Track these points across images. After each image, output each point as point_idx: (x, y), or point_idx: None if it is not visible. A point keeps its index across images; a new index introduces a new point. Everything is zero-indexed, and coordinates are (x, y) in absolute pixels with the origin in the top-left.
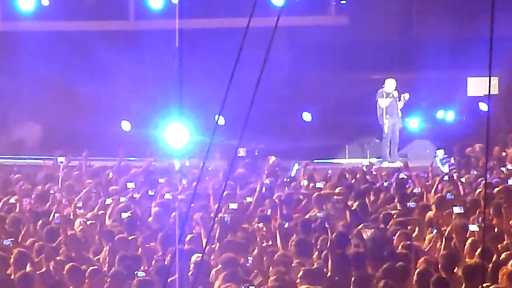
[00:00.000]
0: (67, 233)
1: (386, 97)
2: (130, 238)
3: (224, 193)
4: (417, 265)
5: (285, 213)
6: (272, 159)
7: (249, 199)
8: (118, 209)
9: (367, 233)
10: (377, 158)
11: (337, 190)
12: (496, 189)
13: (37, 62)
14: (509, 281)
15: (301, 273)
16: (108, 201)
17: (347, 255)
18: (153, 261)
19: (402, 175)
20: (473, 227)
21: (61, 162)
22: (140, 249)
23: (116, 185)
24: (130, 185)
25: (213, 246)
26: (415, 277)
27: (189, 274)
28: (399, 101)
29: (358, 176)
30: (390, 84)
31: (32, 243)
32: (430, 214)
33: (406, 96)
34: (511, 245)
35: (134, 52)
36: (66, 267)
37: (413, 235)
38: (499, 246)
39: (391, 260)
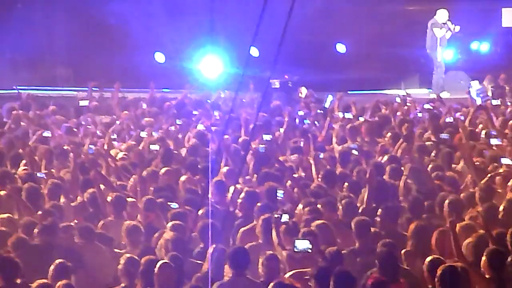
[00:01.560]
0: (101, 164)
1: (441, 28)
2: (163, 169)
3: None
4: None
5: (319, 144)
6: (304, 90)
7: (283, 131)
8: (149, 142)
9: None
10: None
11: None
12: None
13: None
14: None
15: (343, 203)
16: (143, 134)
17: (384, 184)
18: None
19: (427, 106)
20: (506, 161)
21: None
22: (173, 181)
23: (149, 117)
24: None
25: (247, 178)
26: (445, 208)
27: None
28: (448, 31)
29: (392, 107)
30: (442, 15)
31: (65, 174)
32: (470, 144)
33: (457, 28)
34: None
35: None
36: (111, 197)
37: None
38: None
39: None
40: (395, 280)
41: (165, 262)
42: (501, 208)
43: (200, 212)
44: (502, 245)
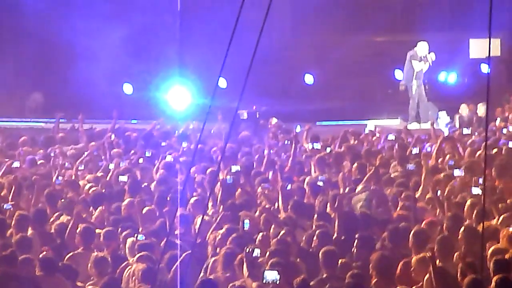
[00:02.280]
0: (68, 196)
1: (420, 61)
2: (126, 201)
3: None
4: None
5: (287, 175)
6: (274, 121)
7: (251, 162)
8: (117, 173)
9: (358, 197)
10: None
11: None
12: (494, 150)
13: (38, 24)
14: (509, 243)
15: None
16: (111, 166)
17: (354, 216)
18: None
19: (391, 137)
20: (476, 190)
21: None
22: (140, 212)
23: (117, 147)
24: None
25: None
26: (411, 238)
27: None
28: (427, 64)
29: (360, 138)
30: (423, 47)
31: (33, 206)
32: (436, 177)
33: (433, 56)
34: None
35: (136, 14)
36: (80, 228)
37: (415, 197)
38: (500, 206)
39: (388, 222)
40: None
41: None
42: (460, 236)
43: (165, 243)
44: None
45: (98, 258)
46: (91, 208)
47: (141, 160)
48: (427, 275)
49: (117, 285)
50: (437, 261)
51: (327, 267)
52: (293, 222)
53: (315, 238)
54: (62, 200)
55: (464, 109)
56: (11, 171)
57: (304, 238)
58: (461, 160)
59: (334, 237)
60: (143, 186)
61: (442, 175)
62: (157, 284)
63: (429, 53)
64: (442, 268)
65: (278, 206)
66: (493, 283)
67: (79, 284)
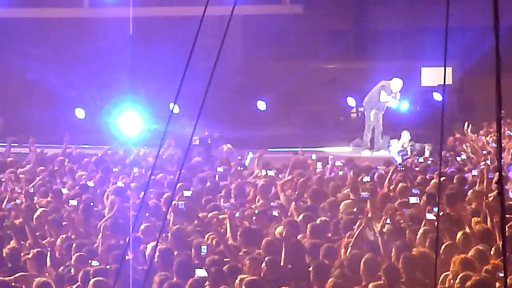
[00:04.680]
0: (18, 221)
1: (389, 94)
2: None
3: (178, 183)
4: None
5: (238, 202)
6: (227, 147)
7: (202, 187)
8: (68, 197)
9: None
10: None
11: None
12: (442, 179)
13: None
14: (463, 268)
15: (247, 262)
16: (64, 190)
17: (301, 244)
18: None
19: (338, 163)
20: (430, 216)
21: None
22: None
23: (69, 172)
24: (81, 173)
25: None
26: (361, 266)
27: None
28: (392, 101)
29: (311, 165)
30: (397, 84)
31: None
32: (389, 205)
33: (398, 96)
34: (464, 234)
35: (88, 39)
36: (32, 253)
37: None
38: (454, 235)
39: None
40: None
41: None
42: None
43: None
44: None
45: (40, 283)
46: (43, 232)
47: (91, 184)
48: None
49: None
50: None
51: None
52: (238, 248)
53: (263, 265)
54: (6, 222)
55: (404, 136)
56: None
57: (251, 264)
58: (413, 188)
59: (281, 265)
60: (95, 210)
61: (396, 203)
62: None
63: (400, 92)
64: None
65: (226, 232)
66: None
67: None
